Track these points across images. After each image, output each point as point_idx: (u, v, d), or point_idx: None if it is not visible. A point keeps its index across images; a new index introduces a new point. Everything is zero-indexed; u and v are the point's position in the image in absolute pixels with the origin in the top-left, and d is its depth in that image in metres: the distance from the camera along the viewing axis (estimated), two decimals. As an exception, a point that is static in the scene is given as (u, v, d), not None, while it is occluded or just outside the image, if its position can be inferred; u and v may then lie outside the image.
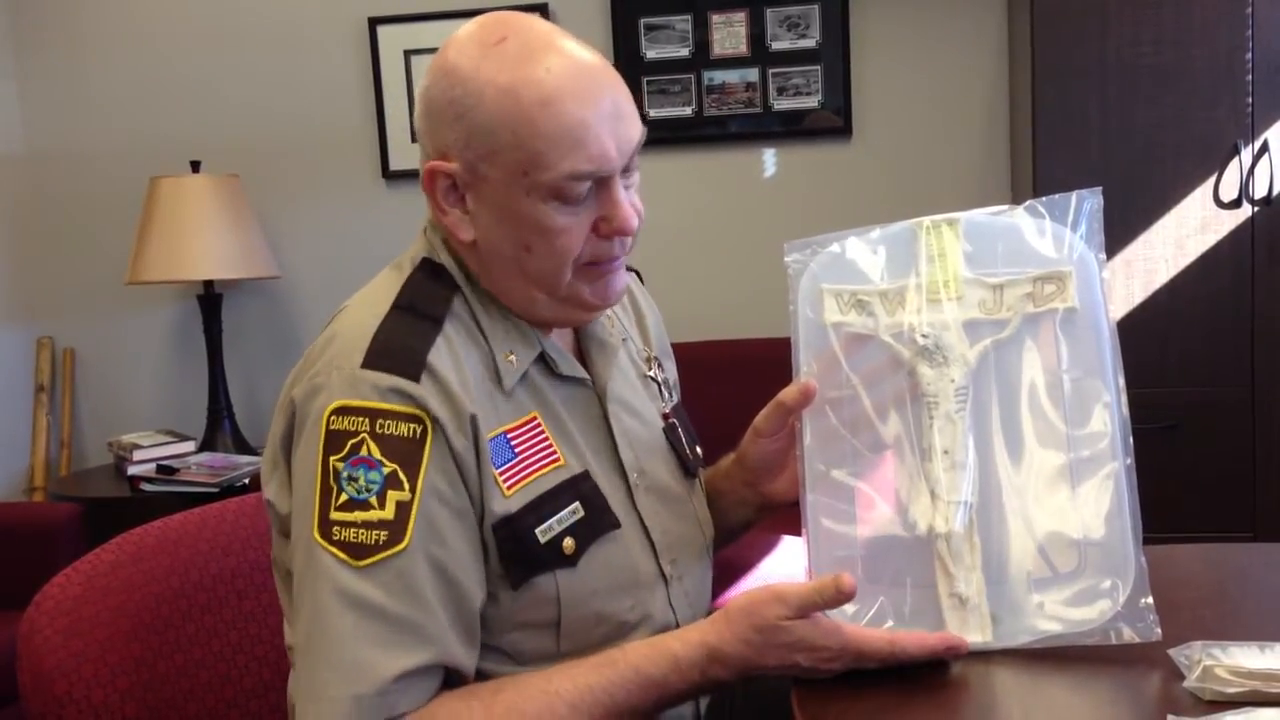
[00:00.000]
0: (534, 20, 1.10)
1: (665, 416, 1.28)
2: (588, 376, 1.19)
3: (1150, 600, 1.04)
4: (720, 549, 1.34)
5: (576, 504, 1.12)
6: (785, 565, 2.32)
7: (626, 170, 1.10)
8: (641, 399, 1.26)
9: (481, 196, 1.09)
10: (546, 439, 1.12)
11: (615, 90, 1.08)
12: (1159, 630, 1.03)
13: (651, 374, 1.31)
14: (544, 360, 1.16)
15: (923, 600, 1.06)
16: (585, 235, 1.09)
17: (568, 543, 1.10)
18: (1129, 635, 1.03)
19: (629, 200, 1.10)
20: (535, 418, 1.13)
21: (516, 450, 1.10)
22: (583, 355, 1.22)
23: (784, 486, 1.25)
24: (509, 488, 1.08)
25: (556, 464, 1.12)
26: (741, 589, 1.06)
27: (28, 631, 1.10)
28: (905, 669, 1.02)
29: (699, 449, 1.32)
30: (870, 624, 1.05)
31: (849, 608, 1.03)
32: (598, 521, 1.13)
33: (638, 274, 1.41)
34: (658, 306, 1.41)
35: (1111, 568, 1.05)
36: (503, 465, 1.08)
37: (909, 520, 1.08)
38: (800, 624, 1.00)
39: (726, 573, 2.03)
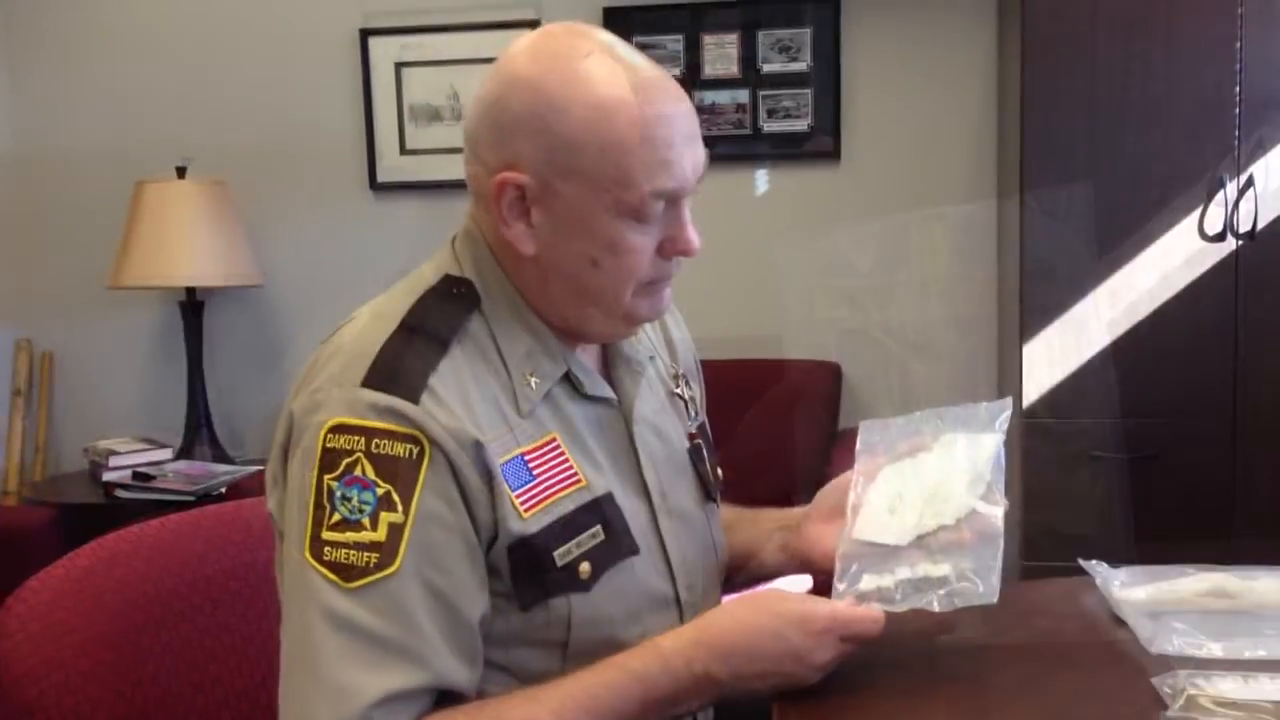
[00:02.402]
0: (606, 35, 1.12)
1: (691, 437, 1.27)
2: (614, 396, 1.18)
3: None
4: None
5: (598, 527, 1.10)
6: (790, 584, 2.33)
7: None
8: (668, 418, 1.25)
9: (551, 211, 1.08)
10: (566, 460, 1.11)
11: (691, 110, 1.11)
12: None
13: (679, 391, 1.29)
14: (569, 380, 1.14)
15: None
16: (651, 256, 1.11)
17: (584, 567, 1.08)
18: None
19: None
20: (554, 439, 1.11)
21: (535, 472, 1.08)
22: (609, 373, 1.20)
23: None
24: (526, 510, 1.06)
25: (578, 485, 1.10)
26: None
27: (-2, 636, 1.09)
28: (882, 681, 1.03)
29: (720, 471, 1.31)
30: None
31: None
32: (617, 546, 1.12)
33: None
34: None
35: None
36: (520, 488, 1.06)
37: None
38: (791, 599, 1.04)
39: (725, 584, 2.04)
